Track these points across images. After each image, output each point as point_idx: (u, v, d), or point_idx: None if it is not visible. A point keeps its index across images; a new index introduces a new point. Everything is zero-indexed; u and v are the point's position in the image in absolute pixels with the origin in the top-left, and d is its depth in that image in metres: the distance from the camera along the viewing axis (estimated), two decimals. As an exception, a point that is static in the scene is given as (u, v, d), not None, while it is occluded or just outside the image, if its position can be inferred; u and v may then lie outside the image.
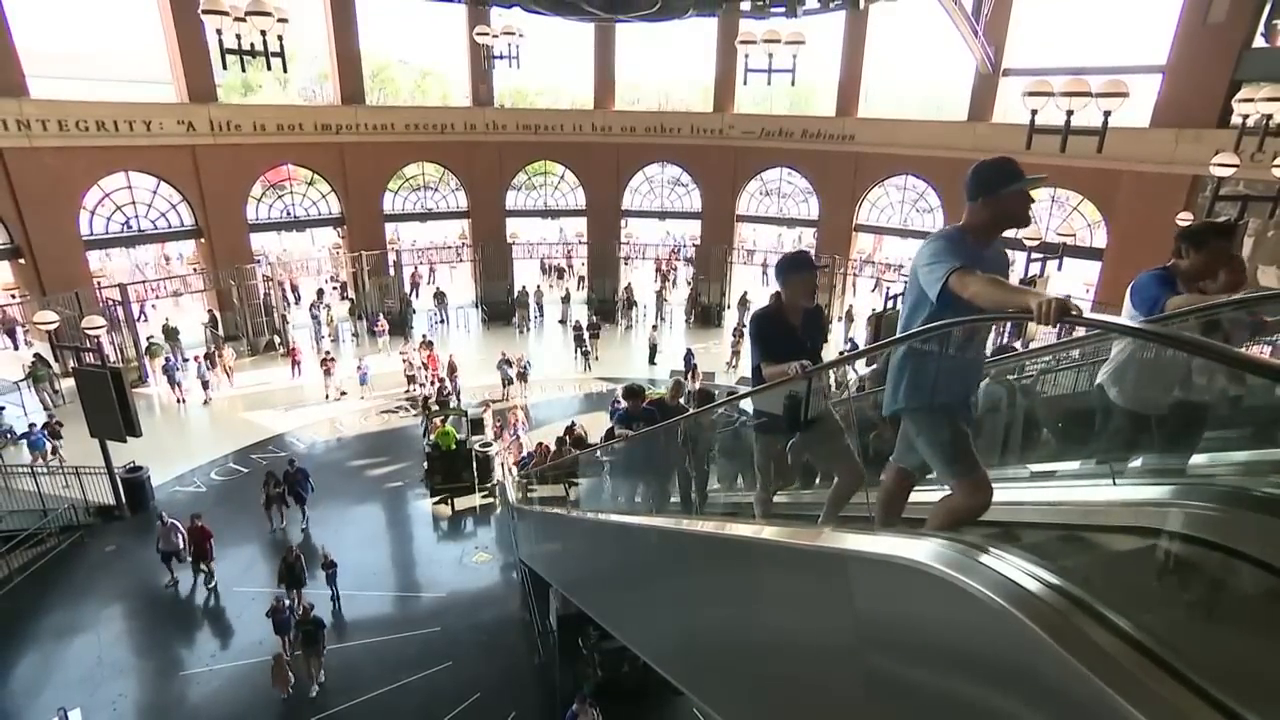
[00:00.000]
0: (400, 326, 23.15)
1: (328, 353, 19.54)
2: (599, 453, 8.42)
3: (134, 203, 20.12)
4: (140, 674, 10.04)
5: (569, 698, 8.95)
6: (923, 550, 2.13)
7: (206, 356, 18.76)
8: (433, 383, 18.58)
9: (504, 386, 18.80)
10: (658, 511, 5.88)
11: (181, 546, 11.52)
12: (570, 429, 14.82)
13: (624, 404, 7.12)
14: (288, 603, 10.11)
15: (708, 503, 5.55)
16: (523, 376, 19.12)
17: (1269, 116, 10.37)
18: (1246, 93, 10.96)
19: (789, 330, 3.75)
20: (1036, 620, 1.67)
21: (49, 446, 14.48)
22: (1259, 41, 16.82)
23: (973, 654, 1.95)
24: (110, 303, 18.51)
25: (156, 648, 10.48)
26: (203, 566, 11.61)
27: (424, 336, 21.42)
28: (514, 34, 16.72)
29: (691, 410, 6.39)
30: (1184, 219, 15.41)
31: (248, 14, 11.26)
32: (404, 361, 19.51)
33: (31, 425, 14.12)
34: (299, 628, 9.66)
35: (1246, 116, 10.83)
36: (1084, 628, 1.63)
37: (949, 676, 2.11)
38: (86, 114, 18.37)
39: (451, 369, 18.71)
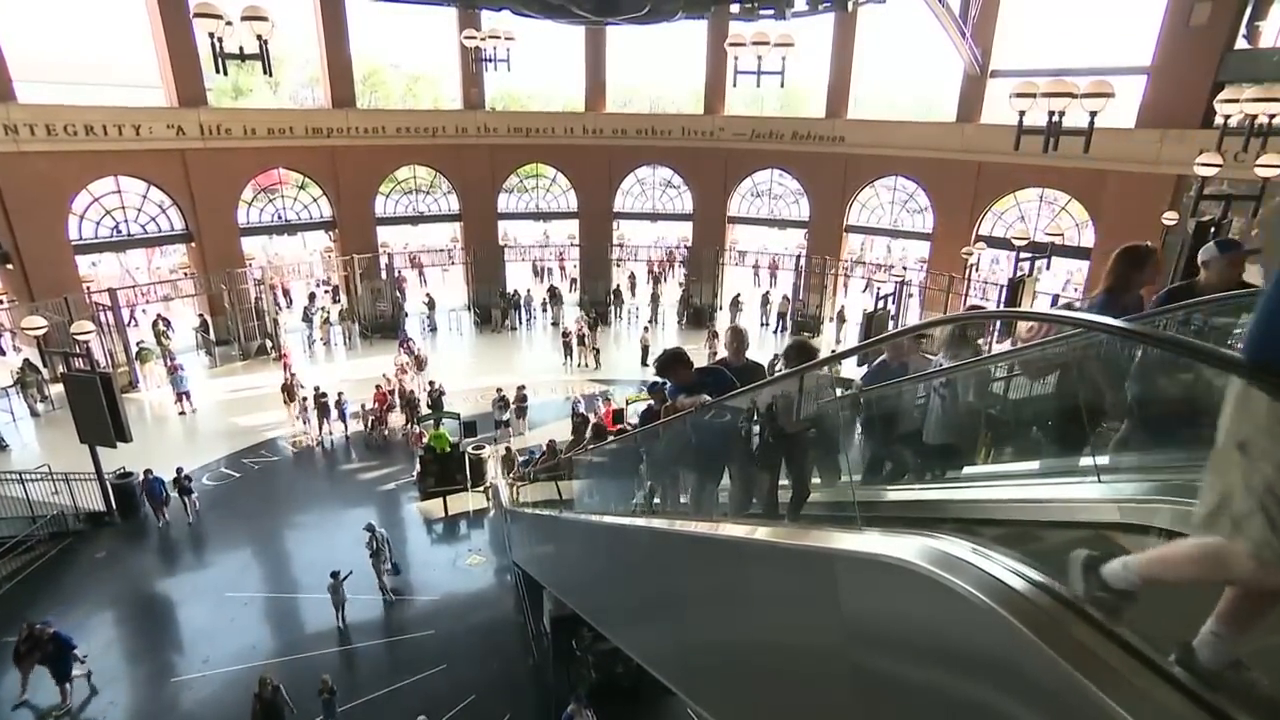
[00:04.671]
0: (392, 331, 23.06)
1: (303, 398, 16.75)
2: (632, 440, 6.60)
3: (123, 207, 19.99)
4: (131, 680, 9.94)
5: (563, 700, 8.92)
6: (909, 549, 2.13)
7: (285, 388, 16.97)
8: (378, 418, 16.70)
9: (496, 429, 16.47)
10: (733, 516, 4.23)
11: None
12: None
13: (659, 382, 5.17)
14: None
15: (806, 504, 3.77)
16: (522, 412, 17.03)
17: (1252, 117, 10.48)
18: (1229, 93, 11.06)
19: None
20: (1022, 618, 1.67)
21: (165, 496, 12.96)
22: (1241, 43, 16.99)
23: (960, 652, 1.95)
24: (100, 307, 18.34)
25: (148, 654, 10.39)
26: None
27: (412, 344, 20.90)
28: (499, 37, 16.70)
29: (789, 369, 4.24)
30: (1169, 218, 15.55)
31: (243, 19, 11.20)
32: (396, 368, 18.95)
33: (148, 472, 12.90)
34: None
35: (1229, 117, 10.93)
36: (1069, 626, 1.63)
37: (937, 675, 2.11)
38: (75, 118, 18.23)
39: (405, 398, 17.28)
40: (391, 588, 11.59)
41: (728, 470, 4.53)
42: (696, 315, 24.74)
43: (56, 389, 16.50)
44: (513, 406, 16.87)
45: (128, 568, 12.08)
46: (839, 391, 3.93)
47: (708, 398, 4.44)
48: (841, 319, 22.75)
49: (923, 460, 3.94)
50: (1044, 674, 1.58)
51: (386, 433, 16.83)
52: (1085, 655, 1.54)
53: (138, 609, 11.35)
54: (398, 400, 17.46)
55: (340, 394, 16.88)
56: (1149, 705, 1.41)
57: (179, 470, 13.25)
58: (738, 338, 5.26)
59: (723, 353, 5.71)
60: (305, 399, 16.68)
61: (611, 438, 9.25)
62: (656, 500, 5.85)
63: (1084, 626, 1.62)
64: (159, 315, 21.75)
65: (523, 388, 17.38)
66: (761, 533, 3.57)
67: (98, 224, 19.67)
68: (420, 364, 19.53)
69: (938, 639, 2.05)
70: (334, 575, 10.74)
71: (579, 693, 8.95)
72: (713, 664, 4.35)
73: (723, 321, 24.15)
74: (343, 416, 16.82)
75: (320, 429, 16.55)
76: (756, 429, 3.97)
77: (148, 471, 13.11)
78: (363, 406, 16.94)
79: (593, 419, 14.91)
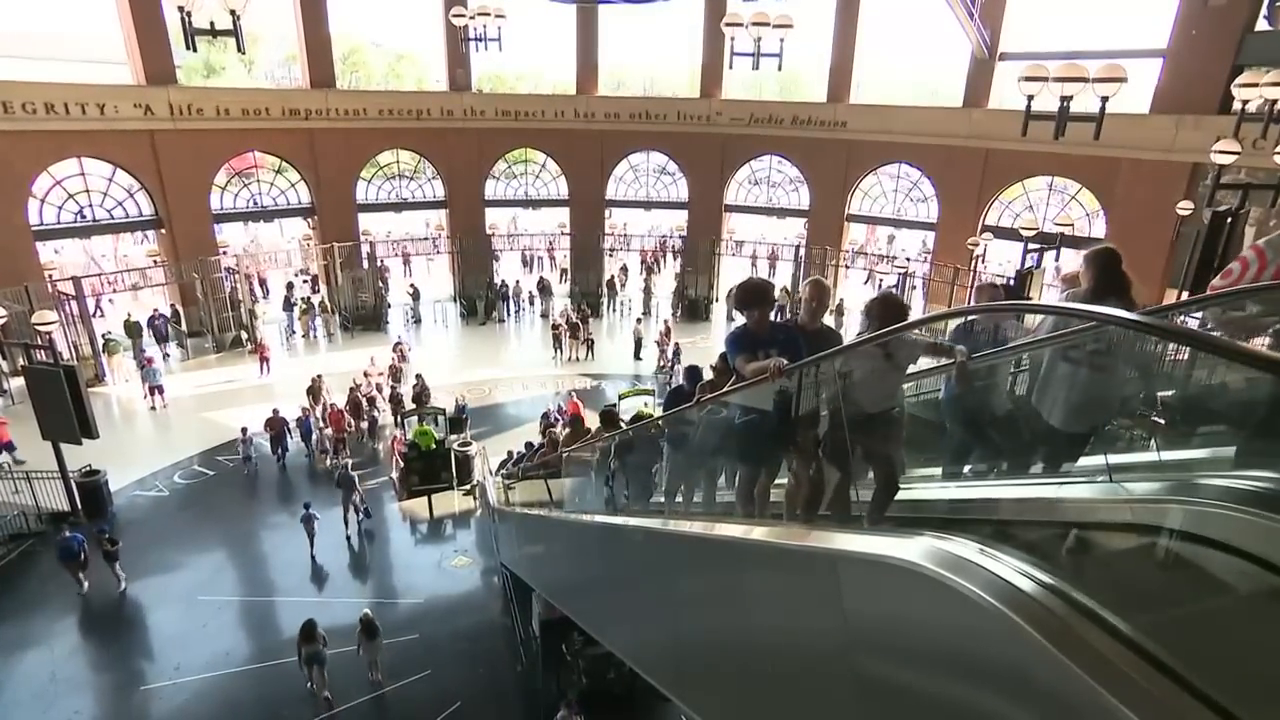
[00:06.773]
0: (375, 323, 22.95)
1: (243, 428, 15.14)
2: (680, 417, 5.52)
3: (88, 191, 19.77)
4: (98, 689, 9.90)
5: (553, 706, 8.95)
6: (915, 550, 2.14)
7: (310, 391, 16.23)
8: (336, 442, 15.55)
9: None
10: (792, 519, 3.67)
11: None
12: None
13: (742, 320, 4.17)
14: None
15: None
16: (459, 425, 15.94)
17: (1272, 102, 10.49)
18: (1248, 77, 11.06)
19: None
20: (1029, 620, 1.68)
21: (83, 557, 11.26)
22: (1261, 24, 17.02)
23: (966, 655, 1.96)
24: (64, 296, 18.13)
25: (115, 661, 10.33)
26: None
27: (404, 348, 20.11)
28: (489, 15, 16.56)
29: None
30: (1184, 207, 15.61)
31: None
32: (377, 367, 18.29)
33: (67, 527, 11.87)
34: None
35: (1247, 102, 10.95)
36: (1078, 628, 1.64)
37: (942, 678, 2.12)
38: (35, 95, 18.00)
39: (357, 408, 16.37)
40: (359, 527, 13.08)
41: (785, 462, 3.93)
42: (692, 307, 24.74)
43: (17, 382, 16.34)
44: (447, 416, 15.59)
45: (93, 570, 11.97)
46: (938, 361, 3.51)
47: (785, 361, 3.49)
48: (840, 311, 22.76)
49: (1033, 449, 3.43)
50: (1052, 676, 1.59)
51: (340, 463, 14.94)
52: (1093, 657, 1.55)
53: (104, 613, 11.25)
54: (350, 420, 16.17)
55: (304, 409, 15.96)
56: (1158, 707, 1.42)
57: (101, 531, 11.83)
58: (818, 293, 4.19)
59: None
60: (245, 429, 15.06)
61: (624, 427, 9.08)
62: (679, 499, 5.50)
63: (1094, 630, 1.62)
64: (154, 310, 21.33)
65: (462, 400, 16.69)
66: (761, 532, 3.57)
67: (60, 208, 19.46)
68: (396, 374, 18.55)
69: (944, 643, 2.06)
70: (306, 506, 12.36)
71: (569, 699, 8.98)
72: (708, 668, 4.37)
73: (718, 314, 24.18)
74: (305, 437, 15.72)
75: (275, 452, 15.28)
76: (826, 409, 3.36)
77: (63, 528, 11.93)
78: (319, 429, 15.90)
79: (558, 427, 14.37)
